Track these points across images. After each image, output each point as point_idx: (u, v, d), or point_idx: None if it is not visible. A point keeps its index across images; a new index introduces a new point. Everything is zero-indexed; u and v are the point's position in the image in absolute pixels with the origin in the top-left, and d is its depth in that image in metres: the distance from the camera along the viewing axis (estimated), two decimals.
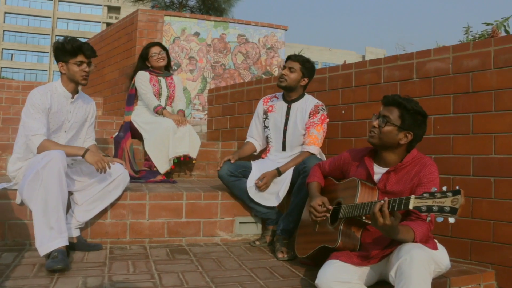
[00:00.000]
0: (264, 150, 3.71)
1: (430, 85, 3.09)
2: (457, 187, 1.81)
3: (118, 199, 3.31)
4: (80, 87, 3.28)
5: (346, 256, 2.30)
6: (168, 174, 4.44)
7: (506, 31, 5.13)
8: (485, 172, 2.84)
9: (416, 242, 2.12)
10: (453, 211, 1.77)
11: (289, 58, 3.45)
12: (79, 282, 2.45)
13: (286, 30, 7.58)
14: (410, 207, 1.89)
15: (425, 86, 3.12)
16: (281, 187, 3.27)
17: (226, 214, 3.54)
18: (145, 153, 4.39)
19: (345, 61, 3.85)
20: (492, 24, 5.14)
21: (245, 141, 3.77)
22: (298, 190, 3.05)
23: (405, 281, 1.99)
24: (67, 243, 2.77)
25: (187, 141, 4.26)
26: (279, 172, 3.32)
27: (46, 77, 58.39)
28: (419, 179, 2.29)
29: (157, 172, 4.28)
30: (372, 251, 2.29)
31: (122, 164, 3.33)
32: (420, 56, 3.16)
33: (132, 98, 4.55)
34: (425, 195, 1.87)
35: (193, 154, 4.34)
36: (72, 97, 3.17)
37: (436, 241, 2.39)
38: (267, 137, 3.62)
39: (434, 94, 3.07)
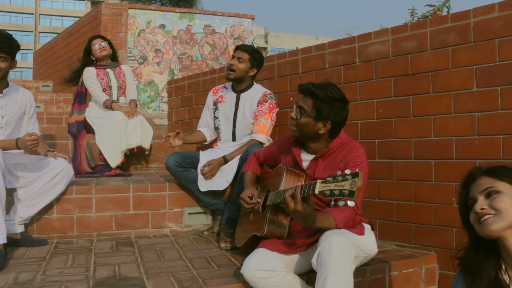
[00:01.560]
0: (215, 141, 3.67)
1: (371, 69, 3.05)
2: (357, 170, 1.76)
3: (64, 193, 3.26)
4: (8, 80, 3.18)
5: (273, 244, 2.25)
6: (125, 167, 4.39)
7: (448, 13, 5.12)
8: (425, 155, 2.80)
9: (339, 228, 2.08)
10: (351, 194, 1.72)
11: (238, 48, 3.41)
12: (10, 278, 2.39)
13: (253, 19, 7.50)
14: (316, 191, 1.83)
15: (367, 70, 3.08)
16: (229, 173, 3.23)
17: (175, 205, 3.49)
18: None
19: (296, 48, 3.79)
20: (434, 6, 5.13)
21: (196, 130, 3.73)
22: (241, 179, 3.00)
23: (325, 268, 1.94)
24: (4, 241, 2.70)
25: (139, 132, 4.21)
26: (225, 160, 3.28)
27: (31, 74, 57.80)
28: (345, 163, 2.24)
29: (108, 167, 4.23)
30: (299, 239, 2.24)
31: (65, 158, 3.27)
32: (361, 39, 3.12)
33: (83, 96, 4.53)
34: (329, 179, 1.82)
35: (146, 145, 4.29)
36: (1, 92, 3.09)
37: (368, 226, 2.35)
38: (217, 127, 3.58)
39: (376, 77, 3.03)
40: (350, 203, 1.75)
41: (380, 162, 3.01)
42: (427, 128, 2.78)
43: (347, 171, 1.77)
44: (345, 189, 1.74)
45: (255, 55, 3.36)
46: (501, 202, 1.42)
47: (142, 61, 6.84)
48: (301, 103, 2.30)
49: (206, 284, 2.28)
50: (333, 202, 1.97)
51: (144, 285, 2.27)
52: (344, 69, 3.21)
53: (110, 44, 4.59)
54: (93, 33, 7.02)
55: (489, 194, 1.45)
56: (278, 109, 3.41)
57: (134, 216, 3.40)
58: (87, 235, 3.31)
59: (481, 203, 1.45)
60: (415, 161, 2.84)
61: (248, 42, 7.38)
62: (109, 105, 4.33)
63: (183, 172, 3.38)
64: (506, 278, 1.44)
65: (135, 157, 4.48)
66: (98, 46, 4.47)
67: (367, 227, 2.30)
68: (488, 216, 1.42)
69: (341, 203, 1.78)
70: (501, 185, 1.45)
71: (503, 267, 1.46)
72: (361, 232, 2.18)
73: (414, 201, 2.85)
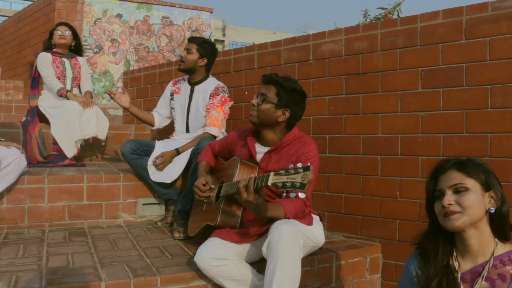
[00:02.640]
0: (171, 132, 3.71)
1: (324, 67, 3.17)
2: (309, 164, 1.86)
3: (15, 183, 3.21)
4: None
5: (225, 233, 2.33)
6: (79, 157, 4.34)
7: (398, 16, 5.35)
8: (373, 151, 2.95)
9: (288, 218, 2.18)
10: (302, 186, 1.82)
11: (188, 40, 3.49)
12: None
13: (211, 12, 7.51)
14: (269, 183, 1.92)
15: (320, 67, 3.19)
16: (176, 165, 3.28)
17: (129, 196, 3.51)
18: (53, 137, 4.27)
19: (253, 43, 3.87)
20: (386, 9, 5.35)
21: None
22: (193, 171, 3.06)
23: (274, 256, 2.04)
24: None
25: (94, 123, 4.17)
26: (178, 152, 3.33)
27: None
28: (297, 156, 2.34)
29: (66, 156, 4.17)
30: (251, 228, 2.33)
31: (18, 148, 3.22)
32: (316, 38, 3.23)
33: (36, 81, 4.43)
34: (281, 171, 1.91)
35: (102, 136, 4.26)
36: None
37: (317, 217, 2.46)
38: (173, 118, 3.64)
39: (328, 75, 3.15)
40: (301, 195, 1.85)
41: (330, 156, 3.14)
42: (375, 125, 2.93)
43: (299, 165, 1.86)
44: (296, 182, 1.83)
45: (203, 45, 3.42)
46: (468, 199, 1.50)
47: (97, 50, 6.74)
48: (263, 91, 2.42)
49: (160, 272, 2.33)
50: (284, 194, 2.06)
51: (98, 274, 2.29)
52: (299, 66, 3.32)
53: (75, 35, 4.53)
54: (46, 20, 6.87)
55: (458, 190, 1.53)
56: (232, 102, 3.48)
57: (87, 206, 3.39)
58: (38, 225, 3.27)
59: (449, 198, 1.53)
60: (363, 157, 2.99)
61: (206, 35, 7.39)
62: (63, 94, 4.27)
63: (137, 160, 3.40)
64: (456, 264, 1.56)
65: (89, 147, 4.44)
66: (60, 33, 4.41)
67: (315, 218, 2.42)
68: (453, 213, 1.51)
69: (292, 195, 1.87)
70: (470, 182, 1.52)
71: (455, 254, 1.58)
72: (309, 223, 2.29)
73: (361, 194, 3.00)
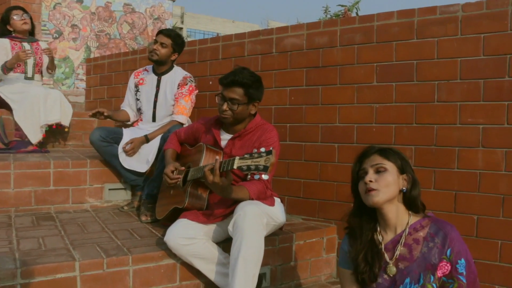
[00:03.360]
0: (136, 120, 3.80)
1: (286, 59, 3.35)
2: (271, 148, 2.04)
3: None
4: None
5: (193, 215, 2.49)
6: (42, 144, 4.35)
7: (357, 13, 5.63)
8: (330, 139, 3.16)
9: (252, 199, 2.36)
10: (265, 168, 2.00)
11: (161, 32, 3.53)
12: None
13: (173, 1, 7.56)
14: (234, 167, 2.09)
15: (282, 60, 3.37)
16: (149, 153, 3.38)
17: (96, 181, 3.59)
18: (15, 124, 4.25)
19: (217, 34, 3.99)
20: (345, 6, 5.62)
21: (120, 109, 3.84)
22: (162, 158, 3.17)
23: (240, 233, 2.22)
24: None
25: (58, 108, 4.18)
26: (147, 138, 3.43)
27: None
28: (260, 143, 2.52)
29: (29, 143, 4.17)
30: (217, 210, 2.51)
31: None
32: (279, 32, 3.41)
33: None
34: (246, 155, 2.08)
35: (65, 122, 4.28)
36: None
37: (278, 199, 2.65)
38: (139, 109, 3.72)
39: (290, 67, 3.34)
40: (264, 177, 2.03)
41: (291, 144, 3.34)
42: (333, 115, 3.14)
43: (262, 149, 2.04)
44: (260, 165, 2.01)
45: (177, 40, 3.52)
46: (386, 179, 1.79)
47: (57, 35, 6.67)
48: (231, 95, 2.51)
49: (131, 252, 2.46)
50: (249, 176, 2.23)
51: (72, 255, 2.39)
52: (262, 58, 3.49)
53: (31, 19, 4.49)
54: (1, 2, 6.72)
55: (378, 170, 1.80)
56: (197, 91, 3.61)
57: (54, 191, 3.45)
58: (4, 210, 3.30)
59: (371, 175, 1.80)
60: (322, 144, 3.20)
61: (168, 24, 7.44)
62: (3, 67, 4.20)
63: (106, 147, 3.48)
64: (379, 238, 1.84)
65: (52, 134, 4.46)
66: (20, 18, 4.32)
67: (277, 200, 2.61)
68: (372, 190, 1.78)
69: (256, 177, 2.05)
70: (388, 164, 1.81)
71: (378, 229, 1.86)
72: (272, 204, 2.48)
73: (319, 179, 3.22)
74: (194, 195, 2.57)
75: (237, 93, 2.50)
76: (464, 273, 1.69)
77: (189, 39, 4.12)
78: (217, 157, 2.49)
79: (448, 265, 1.69)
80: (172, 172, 2.68)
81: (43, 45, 4.55)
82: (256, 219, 2.24)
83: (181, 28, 24.41)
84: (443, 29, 2.73)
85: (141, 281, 2.44)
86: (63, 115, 4.27)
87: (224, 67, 3.73)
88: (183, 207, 2.56)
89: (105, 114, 3.51)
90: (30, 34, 4.51)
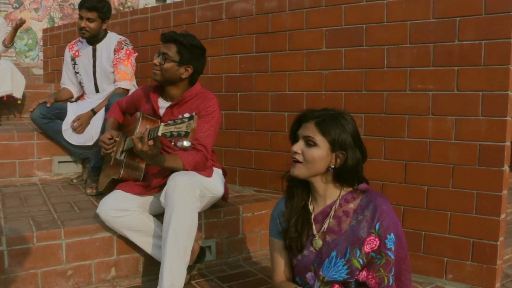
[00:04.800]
0: (82, 95, 3.67)
1: (236, 25, 3.23)
2: (194, 114, 1.94)
3: None
4: None
5: (128, 186, 2.40)
6: None
7: None
8: (280, 107, 3.06)
9: (187, 170, 2.26)
10: (186, 134, 1.90)
11: (83, 7, 3.26)
12: None
13: None
14: (159, 133, 1.98)
15: (232, 26, 3.25)
16: (93, 126, 3.27)
17: (44, 154, 3.48)
18: None
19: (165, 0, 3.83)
20: None
21: (61, 88, 3.69)
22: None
23: (170, 205, 2.13)
24: None
25: (9, 80, 4.04)
26: (94, 112, 3.31)
27: None
28: (198, 111, 2.40)
29: None
30: (154, 180, 2.41)
31: None
32: None
33: None
34: (170, 122, 1.98)
35: (18, 94, 4.14)
36: None
37: (220, 170, 2.56)
38: (80, 82, 3.58)
39: (240, 34, 3.22)
40: (186, 143, 1.93)
41: (241, 114, 3.24)
42: (282, 83, 3.03)
43: (186, 115, 1.94)
44: (182, 131, 1.91)
45: (102, 9, 3.30)
46: (311, 154, 1.61)
47: (17, 5, 6.44)
48: (164, 50, 2.43)
49: (64, 225, 2.37)
50: (172, 143, 2.12)
51: (1, 229, 2.30)
52: (212, 24, 3.36)
53: None
54: None
55: (308, 142, 1.63)
56: (136, 54, 3.46)
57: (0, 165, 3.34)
58: None
59: (299, 146, 1.64)
60: (272, 113, 3.10)
61: None
62: None
63: (48, 124, 3.37)
64: (311, 207, 1.72)
65: (6, 107, 4.32)
66: None
67: (217, 171, 2.51)
68: (295, 162, 1.64)
69: (179, 144, 1.95)
70: (320, 139, 1.61)
71: (310, 199, 1.73)
72: (209, 175, 2.38)
73: (270, 150, 3.13)
74: (130, 165, 2.47)
75: (170, 49, 2.42)
76: (393, 248, 1.58)
77: (151, 6, 3.94)
78: (148, 125, 2.38)
79: (376, 239, 1.58)
80: (109, 139, 2.56)
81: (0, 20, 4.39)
82: (187, 190, 2.14)
83: None
84: None
85: (75, 255, 2.36)
86: (15, 86, 4.13)
87: None
88: (119, 178, 2.46)
89: (48, 105, 3.38)
90: None
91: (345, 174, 1.65)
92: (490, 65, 2.39)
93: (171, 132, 1.93)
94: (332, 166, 1.64)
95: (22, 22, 4.22)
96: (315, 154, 1.61)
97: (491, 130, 2.39)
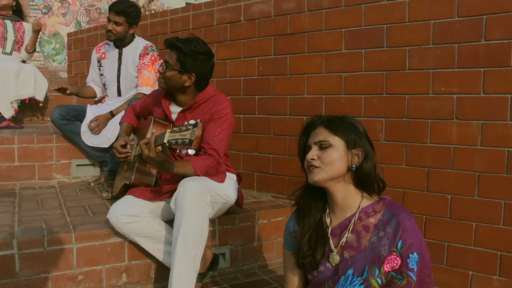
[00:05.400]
0: (103, 97, 3.68)
1: (254, 27, 3.16)
2: (199, 120, 1.87)
3: None
4: None
5: (139, 191, 2.35)
6: (18, 119, 4.27)
7: None
8: (299, 111, 2.98)
9: (198, 175, 2.20)
10: (190, 142, 1.84)
11: (112, 10, 3.29)
12: None
13: None
14: (165, 141, 1.93)
15: (250, 28, 3.18)
16: (110, 128, 3.26)
17: (63, 157, 3.49)
18: None
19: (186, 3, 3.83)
20: None
21: (86, 85, 3.71)
22: None
23: (180, 211, 2.07)
24: None
25: (32, 83, 4.10)
26: (112, 114, 3.30)
27: None
28: (211, 115, 2.35)
29: (3, 118, 4.10)
30: (165, 186, 2.36)
31: None
32: None
33: None
34: (175, 129, 1.92)
35: (40, 97, 4.19)
36: None
37: (234, 176, 2.49)
38: (104, 84, 3.59)
39: (258, 36, 3.15)
40: (191, 151, 1.86)
41: (259, 117, 3.16)
42: (301, 86, 2.95)
43: (191, 122, 1.87)
44: (186, 138, 1.85)
45: (130, 15, 3.30)
46: (329, 156, 1.54)
47: (46, 11, 6.54)
48: (166, 58, 2.38)
49: (76, 230, 2.35)
50: (178, 151, 2.06)
51: (13, 232, 2.29)
52: (230, 26, 3.30)
53: None
54: None
55: (322, 146, 1.57)
56: (161, 60, 3.43)
57: (19, 167, 3.36)
58: None
59: (313, 153, 1.58)
60: (290, 117, 3.02)
61: None
62: None
63: (67, 125, 3.38)
64: (327, 220, 1.61)
65: (29, 109, 4.37)
66: None
67: (231, 176, 2.44)
68: (313, 167, 1.56)
69: (184, 152, 1.89)
70: (334, 139, 1.56)
71: (327, 211, 1.63)
72: (221, 180, 2.32)
73: (288, 155, 3.04)
74: (142, 171, 2.43)
75: (171, 57, 2.35)
76: (415, 269, 1.46)
77: (171, 9, 3.92)
78: (154, 130, 2.33)
79: (398, 258, 1.46)
80: (123, 146, 2.53)
81: (27, 26, 4.46)
82: (197, 196, 2.08)
83: None
84: None
85: (86, 260, 2.33)
86: (37, 89, 4.19)
87: None
88: (130, 183, 2.42)
89: (68, 91, 3.40)
90: (16, 12, 4.42)
91: (365, 175, 1.56)
92: None
93: (176, 139, 1.88)
94: (354, 166, 1.56)
95: (38, 26, 4.26)
96: (333, 155, 1.54)
97: None
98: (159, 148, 2.00)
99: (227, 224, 2.65)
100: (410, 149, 2.56)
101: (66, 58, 6.71)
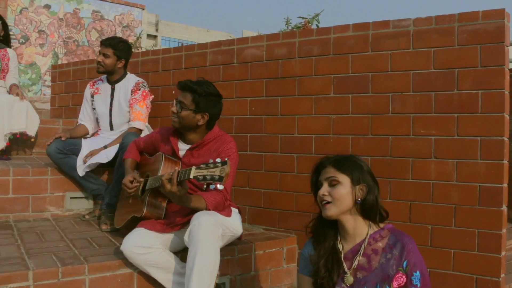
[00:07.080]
0: (96, 131, 3.82)
1: (247, 70, 3.41)
2: (226, 159, 2.09)
3: None
4: None
5: (150, 224, 2.51)
6: (4, 151, 4.30)
7: (317, 26, 5.75)
8: (289, 149, 3.22)
9: (209, 209, 2.39)
10: (220, 178, 2.05)
11: (102, 43, 3.53)
12: None
13: (143, 9, 7.55)
14: (191, 176, 2.12)
15: (243, 71, 3.43)
16: (108, 152, 3.39)
17: (57, 190, 3.57)
18: None
19: (182, 44, 4.04)
20: (306, 18, 5.73)
21: (77, 124, 3.85)
22: (119, 165, 3.18)
23: (195, 243, 2.24)
24: None
25: (24, 118, 4.15)
26: (106, 148, 3.44)
27: None
28: (218, 153, 2.55)
29: None
30: (175, 219, 2.53)
31: None
32: (240, 42, 3.46)
33: None
34: (202, 165, 2.12)
35: (31, 132, 4.24)
36: None
37: (236, 210, 2.69)
38: (96, 118, 3.74)
39: (251, 78, 3.40)
40: (220, 186, 2.07)
41: (251, 154, 3.39)
42: (291, 126, 3.20)
43: (218, 160, 2.08)
44: (215, 175, 2.05)
45: (119, 48, 3.52)
46: (338, 192, 1.80)
47: (23, 41, 6.60)
48: (181, 98, 2.59)
49: (88, 261, 2.46)
50: (205, 186, 2.26)
51: (26, 264, 2.37)
52: (223, 68, 3.54)
53: (4, 25, 4.47)
54: None
55: (331, 183, 1.82)
56: (152, 96, 3.66)
57: (13, 199, 3.41)
58: None
59: (324, 189, 1.83)
60: (281, 155, 3.26)
61: (137, 32, 7.43)
62: None
63: (64, 159, 3.47)
64: (340, 247, 1.87)
65: (15, 141, 4.41)
66: None
67: (234, 210, 2.64)
68: (326, 202, 1.81)
69: (212, 187, 2.09)
70: (341, 177, 1.82)
71: (339, 238, 1.89)
72: (228, 214, 2.52)
73: (279, 189, 3.27)
74: (153, 204, 2.59)
75: (186, 97, 2.57)
76: (419, 285, 1.73)
77: (163, 48, 4.12)
78: (176, 168, 2.52)
79: (403, 276, 1.73)
80: (131, 182, 2.69)
81: (11, 53, 4.52)
82: (211, 230, 2.27)
83: (155, 36, 24.28)
84: (396, 42, 2.82)
85: None
86: (29, 124, 4.23)
87: (187, 77, 3.72)
88: (141, 216, 2.57)
89: (63, 139, 3.51)
90: (3, 41, 4.48)
91: (369, 206, 1.81)
92: (486, 112, 2.59)
93: (203, 175, 2.07)
94: (359, 199, 1.81)
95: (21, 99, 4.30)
96: (341, 191, 1.80)
97: (489, 172, 2.57)
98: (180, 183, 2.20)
99: (227, 255, 2.82)
100: (394, 184, 2.84)
101: (43, 89, 6.76)
